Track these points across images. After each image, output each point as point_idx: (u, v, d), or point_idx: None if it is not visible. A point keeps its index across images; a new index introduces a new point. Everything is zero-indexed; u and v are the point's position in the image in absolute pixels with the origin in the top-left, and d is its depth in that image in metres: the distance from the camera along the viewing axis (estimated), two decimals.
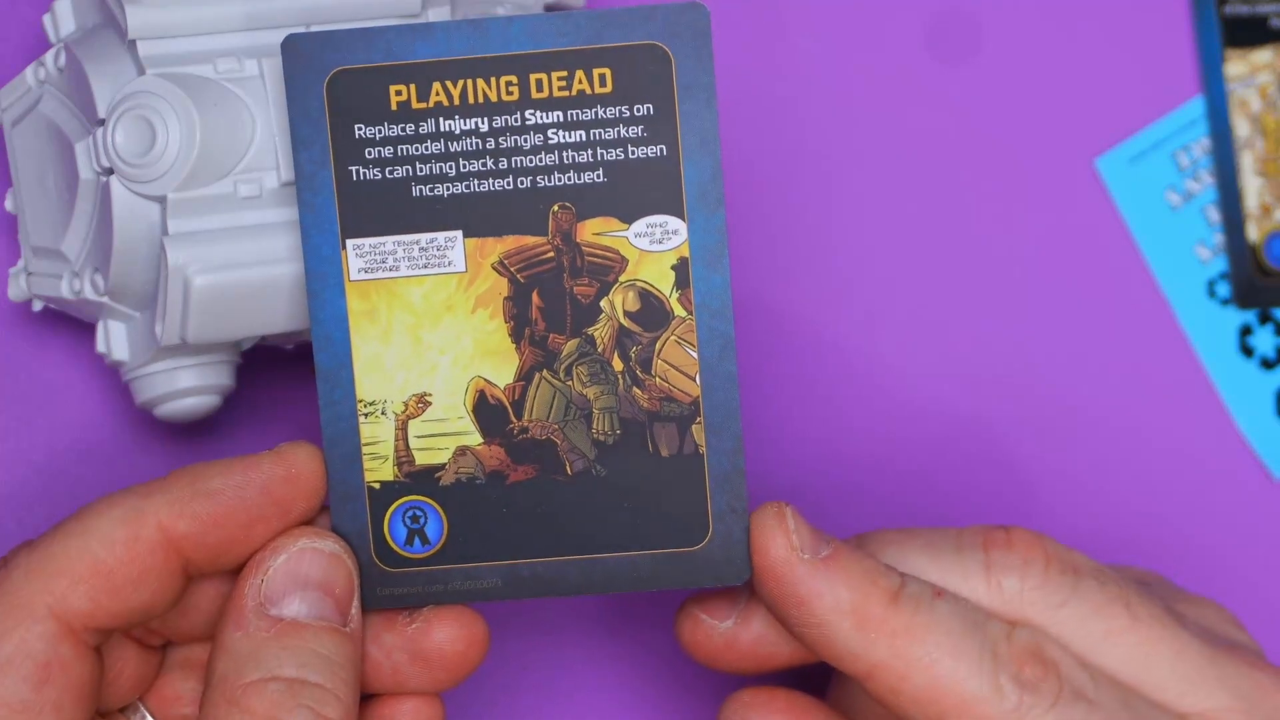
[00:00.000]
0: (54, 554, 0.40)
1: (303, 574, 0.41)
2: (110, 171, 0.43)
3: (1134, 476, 0.56)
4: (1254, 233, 0.57)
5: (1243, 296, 0.57)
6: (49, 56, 0.46)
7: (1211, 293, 0.57)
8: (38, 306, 0.48)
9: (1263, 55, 0.58)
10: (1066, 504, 0.55)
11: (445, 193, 0.42)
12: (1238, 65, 0.57)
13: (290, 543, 0.41)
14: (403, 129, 0.42)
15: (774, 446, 0.54)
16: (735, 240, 0.54)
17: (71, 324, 0.50)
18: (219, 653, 0.40)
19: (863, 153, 0.56)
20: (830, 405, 0.55)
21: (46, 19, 0.47)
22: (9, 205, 0.48)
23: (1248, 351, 0.57)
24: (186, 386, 0.46)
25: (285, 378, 0.51)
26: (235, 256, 0.43)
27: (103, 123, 0.43)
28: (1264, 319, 0.57)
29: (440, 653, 0.42)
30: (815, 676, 0.49)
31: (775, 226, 0.55)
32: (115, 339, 0.46)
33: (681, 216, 0.42)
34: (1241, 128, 0.57)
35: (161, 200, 0.43)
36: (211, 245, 0.43)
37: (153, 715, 0.44)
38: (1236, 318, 0.57)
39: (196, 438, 0.51)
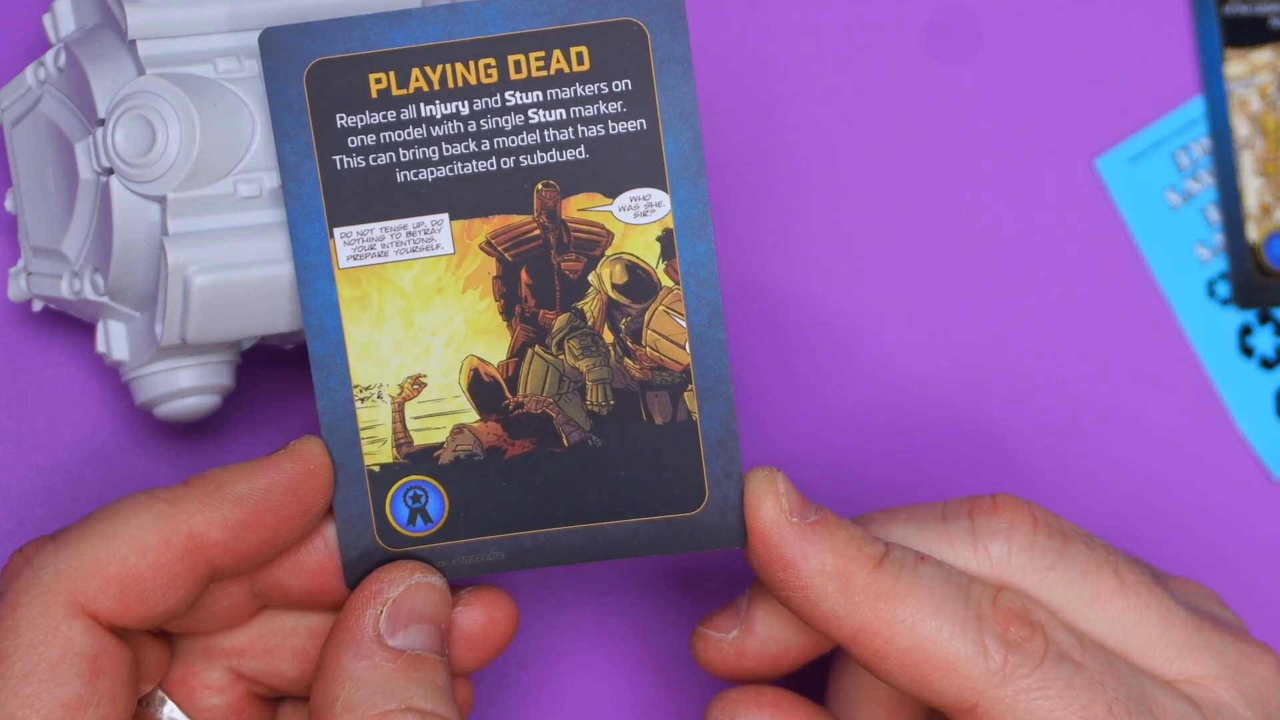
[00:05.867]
0: (84, 555, 0.40)
1: (418, 608, 0.42)
2: (110, 171, 0.43)
3: (1134, 476, 0.56)
4: (1254, 233, 0.57)
5: (1243, 296, 0.57)
6: (49, 56, 0.46)
7: (1211, 293, 0.57)
8: (38, 306, 0.48)
9: (1263, 55, 0.58)
10: (1065, 503, 0.55)
11: (430, 177, 0.43)
12: (1238, 65, 0.57)
13: (405, 576, 0.42)
14: (384, 116, 0.43)
15: (766, 418, 0.54)
16: (735, 223, 0.54)
17: (71, 324, 0.50)
18: (337, 679, 0.41)
19: (863, 152, 0.56)
20: (822, 382, 0.55)
21: (46, 19, 0.47)
22: (9, 205, 0.48)
23: (1248, 351, 0.57)
24: (186, 386, 0.46)
25: (285, 378, 0.51)
26: (235, 256, 0.43)
27: (103, 123, 0.43)
28: (1264, 319, 0.57)
29: (482, 635, 0.44)
30: (813, 681, 0.49)
31: (771, 214, 0.55)
32: (115, 339, 0.46)
33: (664, 188, 0.43)
34: (1241, 128, 0.57)
35: (161, 200, 0.43)
36: (211, 245, 0.43)
37: (178, 705, 0.44)
38: (1236, 318, 0.57)
39: (196, 438, 0.51)
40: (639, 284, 0.43)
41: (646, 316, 0.43)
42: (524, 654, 0.52)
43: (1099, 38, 0.57)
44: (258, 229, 0.43)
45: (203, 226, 0.43)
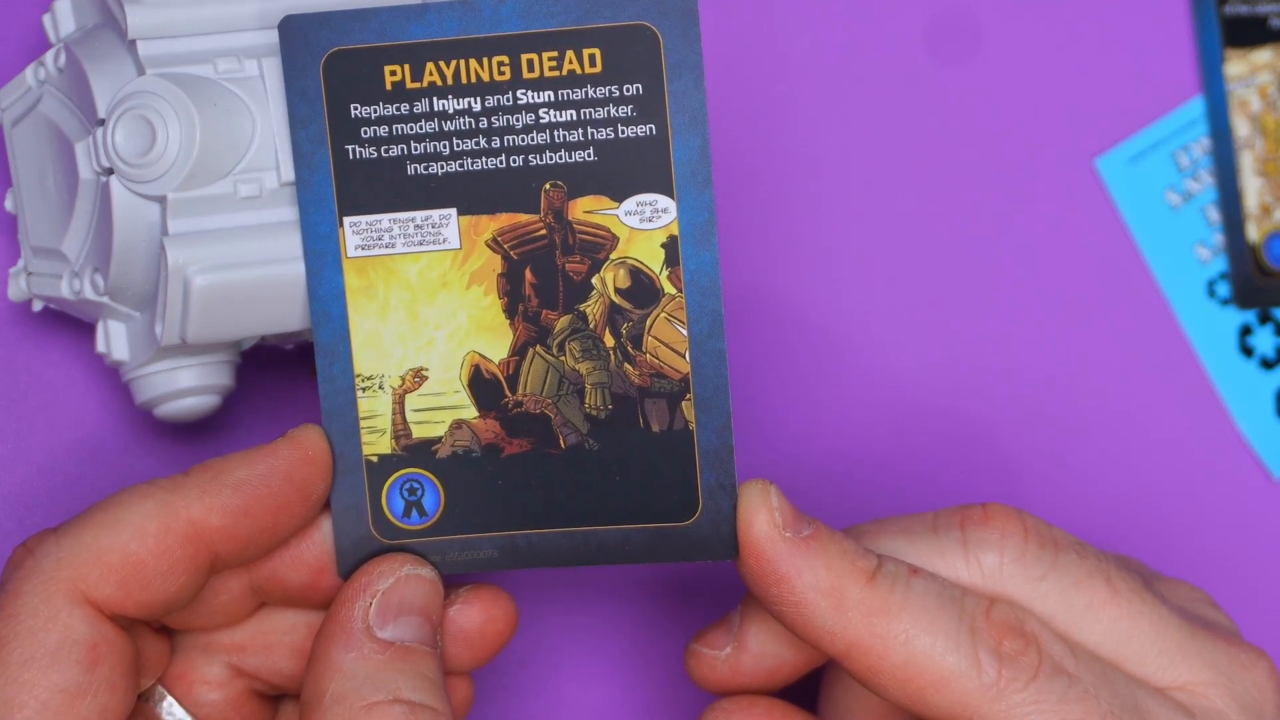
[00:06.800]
0: (85, 543, 0.40)
1: (408, 600, 0.42)
2: (110, 171, 0.43)
3: (1133, 476, 0.56)
4: (1254, 233, 0.57)
5: (1243, 296, 0.57)
6: (49, 56, 0.46)
7: (1211, 293, 0.57)
8: (38, 306, 0.48)
9: (1263, 55, 0.58)
10: (1065, 504, 0.55)
11: (439, 171, 0.43)
12: (1238, 65, 0.57)
13: (395, 568, 0.43)
14: (397, 108, 0.43)
15: (763, 428, 0.54)
16: (737, 232, 0.54)
17: (71, 324, 0.50)
18: (326, 671, 0.41)
19: (862, 152, 0.56)
20: (822, 392, 0.55)
21: (46, 19, 0.47)
22: (9, 205, 0.48)
23: (1248, 351, 0.57)
24: (186, 386, 0.46)
25: (285, 378, 0.51)
26: (235, 256, 0.43)
27: (103, 123, 0.43)
28: (1264, 319, 0.57)
29: (481, 633, 0.44)
30: (806, 689, 0.49)
31: (773, 220, 0.55)
32: (115, 339, 0.46)
33: (671, 195, 0.43)
34: (1241, 128, 0.57)
35: (161, 200, 0.43)
36: (211, 245, 0.43)
37: (178, 700, 0.44)
38: (1236, 318, 0.57)
39: (196, 438, 0.51)
40: (642, 290, 0.43)
41: (648, 323, 0.43)
42: (523, 653, 0.52)
43: (1099, 38, 0.57)
44: (258, 229, 0.43)
45: (203, 226, 0.43)
